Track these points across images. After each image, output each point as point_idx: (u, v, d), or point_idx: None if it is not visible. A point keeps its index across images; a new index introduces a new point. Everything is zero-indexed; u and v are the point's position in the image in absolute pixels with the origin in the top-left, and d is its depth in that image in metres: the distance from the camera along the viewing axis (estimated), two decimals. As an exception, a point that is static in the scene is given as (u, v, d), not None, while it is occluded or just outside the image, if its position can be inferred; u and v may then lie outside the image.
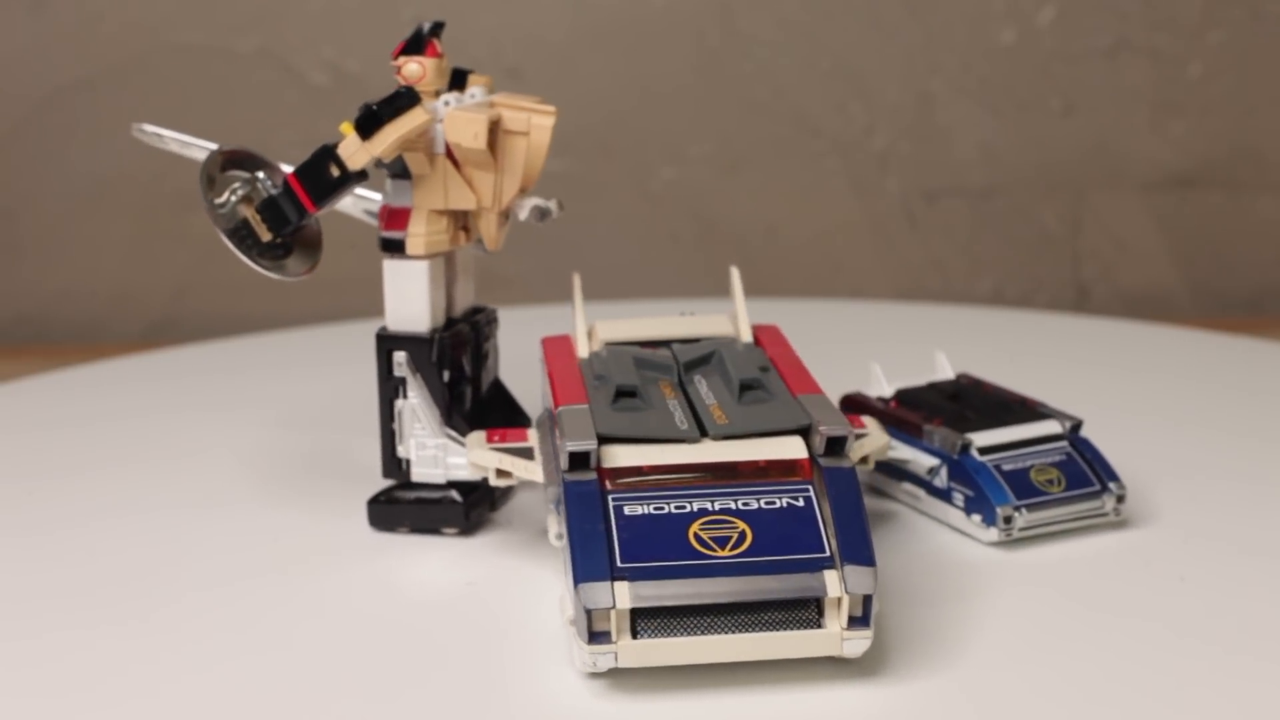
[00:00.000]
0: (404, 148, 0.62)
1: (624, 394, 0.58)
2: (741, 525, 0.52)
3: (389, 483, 0.66)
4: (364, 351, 0.95)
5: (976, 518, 0.62)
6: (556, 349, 0.65)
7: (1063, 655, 0.53)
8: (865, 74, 1.15)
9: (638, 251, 1.18)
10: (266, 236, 0.63)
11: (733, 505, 0.53)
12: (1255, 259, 1.18)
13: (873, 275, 1.19)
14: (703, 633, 0.50)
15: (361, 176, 0.63)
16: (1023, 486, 0.62)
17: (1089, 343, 0.96)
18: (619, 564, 0.50)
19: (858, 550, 0.51)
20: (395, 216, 0.64)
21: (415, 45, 0.64)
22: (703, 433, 0.56)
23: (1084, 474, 0.63)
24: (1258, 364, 0.90)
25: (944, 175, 1.17)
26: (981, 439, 0.63)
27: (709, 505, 0.53)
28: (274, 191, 0.63)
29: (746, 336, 0.65)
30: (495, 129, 0.62)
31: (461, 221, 0.65)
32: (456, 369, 0.66)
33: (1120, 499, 0.63)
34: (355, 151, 0.62)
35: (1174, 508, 0.66)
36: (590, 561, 0.51)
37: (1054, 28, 1.14)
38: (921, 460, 0.64)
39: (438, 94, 0.64)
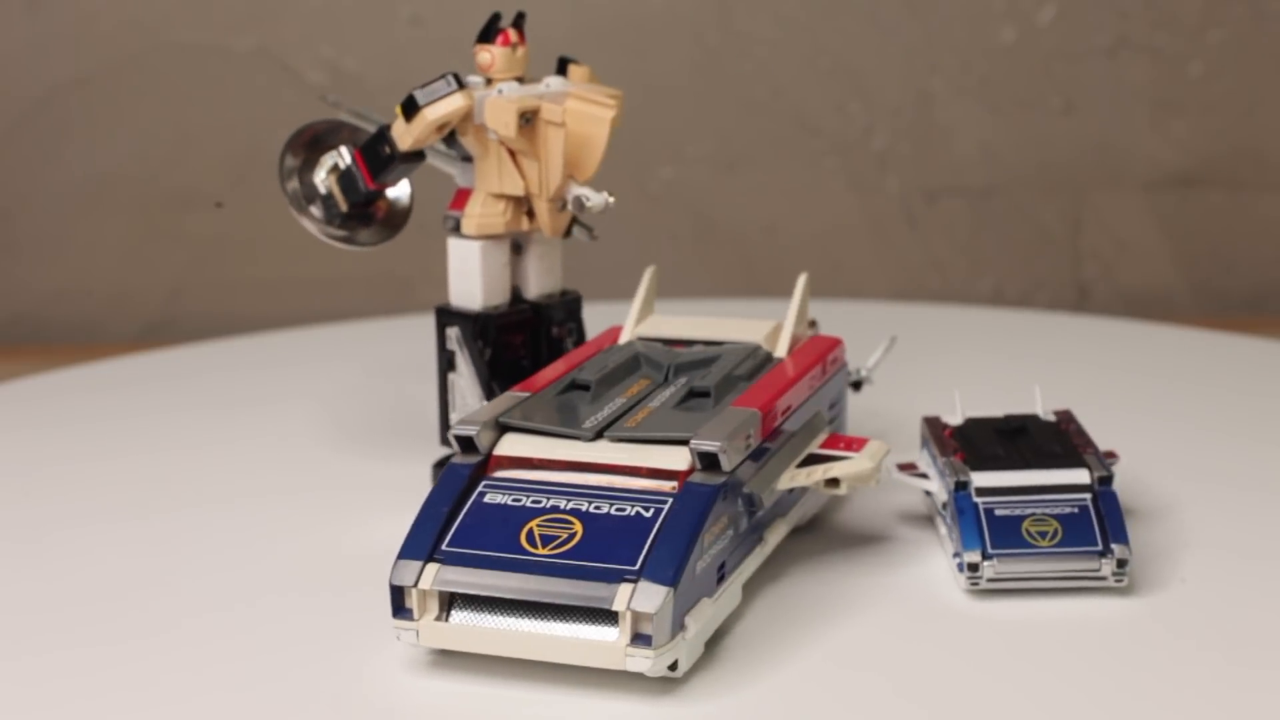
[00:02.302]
0: (445, 133, 0.65)
1: (578, 387, 0.60)
2: (577, 527, 0.52)
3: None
4: (361, 351, 0.95)
5: (957, 560, 0.59)
6: (601, 338, 0.67)
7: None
8: (865, 73, 1.15)
9: (636, 251, 1.17)
10: (344, 207, 0.67)
11: (583, 507, 0.53)
12: (1256, 258, 1.18)
13: (872, 275, 1.18)
14: (508, 627, 0.51)
15: (415, 157, 0.66)
16: (1007, 535, 0.58)
17: (1089, 343, 0.96)
18: (444, 547, 0.52)
19: (661, 568, 0.50)
20: (459, 196, 0.68)
21: (486, 34, 0.67)
22: (600, 434, 0.56)
23: (1088, 531, 0.58)
24: (1258, 364, 0.90)
25: (944, 175, 1.17)
26: (984, 479, 0.60)
27: (561, 504, 0.53)
28: (347, 165, 0.67)
29: (780, 345, 0.64)
30: (537, 118, 0.65)
31: (525, 206, 0.68)
32: (506, 348, 0.68)
33: (1122, 563, 0.57)
34: (401, 134, 0.65)
35: (1174, 508, 0.66)
36: (415, 540, 0.52)
37: (1054, 26, 1.14)
38: (941, 494, 0.62)
39: (520, 80, 0.67)
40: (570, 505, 0.53)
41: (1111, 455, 0.64)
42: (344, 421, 0.80)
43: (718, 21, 1.14)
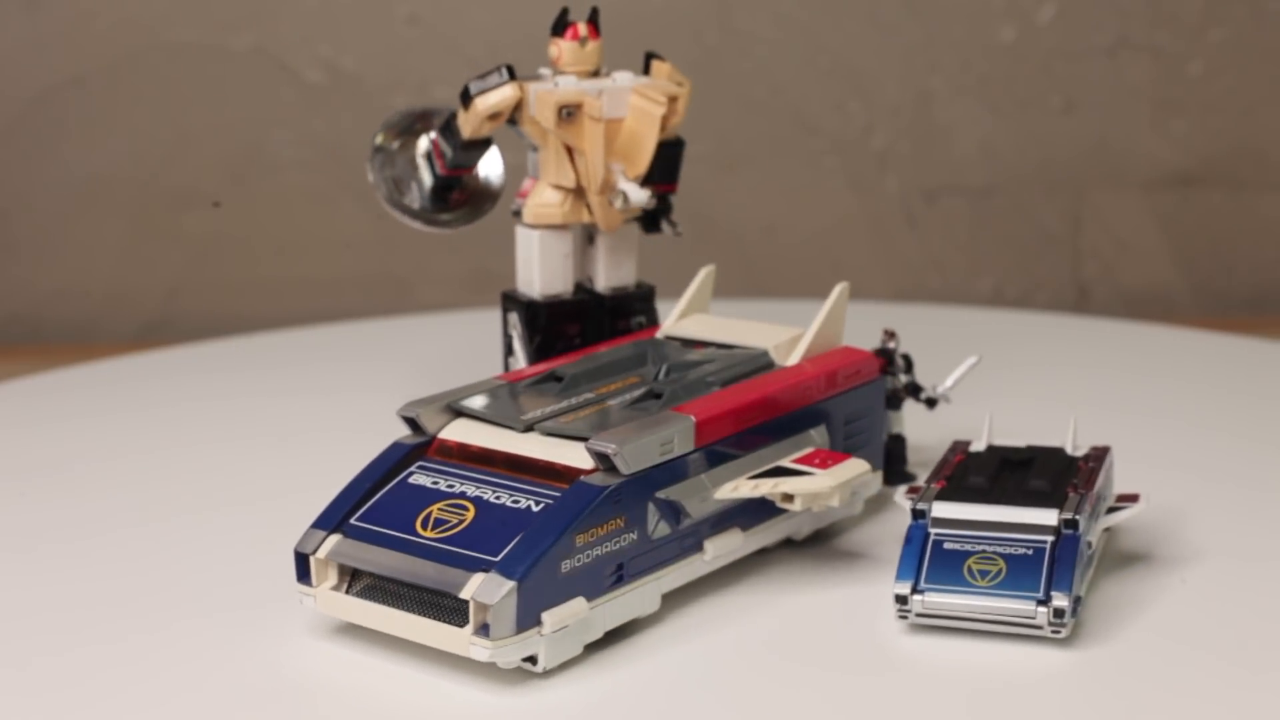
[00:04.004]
0: (500, 122, 0.67)
1: (555, 379, 0.61)
2: (470, 515, 0.53)
3: None
4: (358, 352, 0.95)
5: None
6: (639, 334, 0.68)
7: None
8: (864, 72, 1.15)
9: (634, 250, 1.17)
10: (427, 188, 0.71)
11: (485, 495, 0.54)
12: (1257, 258, 1.18)
13: (872, 275, 1.18)
14: (386, 604, 0.52)
15: (481, 144, 0.69)
16: (945, 570, 0.55)
17: (1089, 343, 0.95)
18: (351, 521, 0.54)
19: (514, 563, 0.51)
20: (528, 185, 0.70)
21: (556, 28, 0.68)
22: (532, 427, 0.56)
23: (1034, 575, 0.54)
24: (1259, 364, 0.90)
25: (943, 174, 1.17)
26: (943, 509, 0.57)
27: (469, 490, 0.54)
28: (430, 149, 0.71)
29: (794, 354, 0.62)
30: (580, 112, 0.67)
31: (588, 198, 0.69)
32: (559, 337, 0.69)
33: (1059, 613, 0.53)
34: (462, 123, 0.68)
35: (1174, 509, 0.66)
36: (330, 511, 0.55)
37: (1054, 25, 1.14)
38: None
39: (595, 74, 0.69)
40: (475, 493, 0.54)
41: (1131, 498, 0.61)
42: (345, 419, 0.80)
43: (717, 20, 1.14)
